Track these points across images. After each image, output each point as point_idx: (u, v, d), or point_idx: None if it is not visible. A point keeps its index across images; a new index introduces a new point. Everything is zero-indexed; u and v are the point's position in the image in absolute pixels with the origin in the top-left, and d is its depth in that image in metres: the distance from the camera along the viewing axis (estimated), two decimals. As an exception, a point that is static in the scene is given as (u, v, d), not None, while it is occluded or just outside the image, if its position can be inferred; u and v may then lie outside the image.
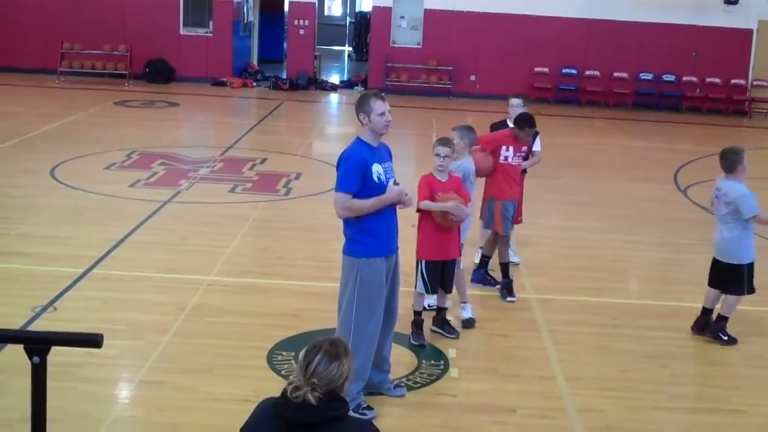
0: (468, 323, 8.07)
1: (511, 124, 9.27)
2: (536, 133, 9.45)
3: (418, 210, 7.37)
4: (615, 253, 10.41)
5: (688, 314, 8.36)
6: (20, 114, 17.91)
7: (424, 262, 7.55)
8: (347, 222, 6.21)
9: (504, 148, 8.76)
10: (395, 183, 6.17)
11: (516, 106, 9.43)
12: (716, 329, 7.99)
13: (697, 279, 9.38)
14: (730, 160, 7.80)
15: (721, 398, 7.04)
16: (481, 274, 9.16)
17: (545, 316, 8.45)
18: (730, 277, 7.91)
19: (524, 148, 9.04)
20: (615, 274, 9.95)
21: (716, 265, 8.03)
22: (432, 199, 7.30)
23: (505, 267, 8.89)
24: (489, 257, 9.14)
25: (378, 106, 6.08)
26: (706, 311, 8.10)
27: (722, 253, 7.94)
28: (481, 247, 9.50)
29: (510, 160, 8.77)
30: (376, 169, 6.09)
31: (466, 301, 8.21)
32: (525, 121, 8.75)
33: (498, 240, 8.93)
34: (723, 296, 8.04)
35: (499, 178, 8.78)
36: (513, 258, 9.53)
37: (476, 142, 8.52)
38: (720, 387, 7.29)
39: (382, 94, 6.31)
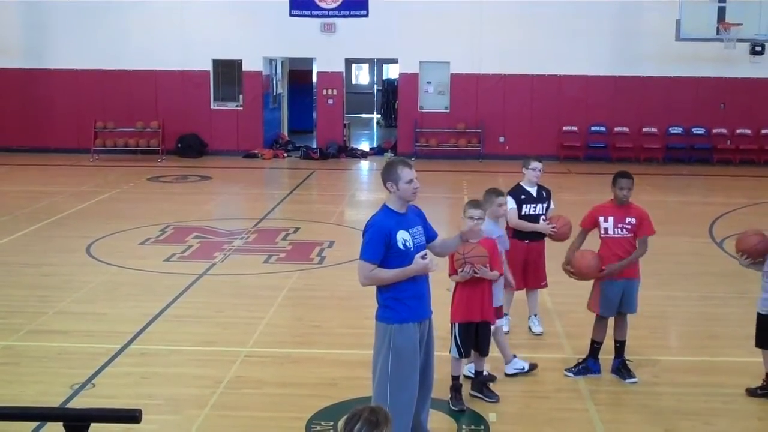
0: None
1: (525, 186, 9.19)
2: (549, 192, 9.37)
3: (451, 274, 7.35)
4: (654, 309, 10.29)
5: (730, 369, 8.22)
6: (56, 193, 18.20)
7: (457, 325, 7.53)
8: (379, 288, 6.15)
9: (602, 219, 8.18)
10: (422, 257, 6.02)
11: (537, 169, 9.14)
12: None
13: (738, 333, 9.25)
14: None
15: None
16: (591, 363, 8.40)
17: (586, 376, 8.33)
18: None
19: (629, 219, 8.10)
20: (655, 331, 9.82)
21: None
22: (452, 260, 7.32)
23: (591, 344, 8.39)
24: (599, 343, 8.36)
25: (405, 173, 6.03)
26: None
27: None
28: (505, 313, 9.37)
29: (610, 232, 8.17)
30: (402, 236, 6.02)
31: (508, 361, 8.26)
32: (617, 175, 8.13)
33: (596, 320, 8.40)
34: None
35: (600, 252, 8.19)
36: (536, 328, 9.44)
37: (581, 224, 8.30)
38: (768, 443, 7.15)
39: (409, 161, 6.29)
